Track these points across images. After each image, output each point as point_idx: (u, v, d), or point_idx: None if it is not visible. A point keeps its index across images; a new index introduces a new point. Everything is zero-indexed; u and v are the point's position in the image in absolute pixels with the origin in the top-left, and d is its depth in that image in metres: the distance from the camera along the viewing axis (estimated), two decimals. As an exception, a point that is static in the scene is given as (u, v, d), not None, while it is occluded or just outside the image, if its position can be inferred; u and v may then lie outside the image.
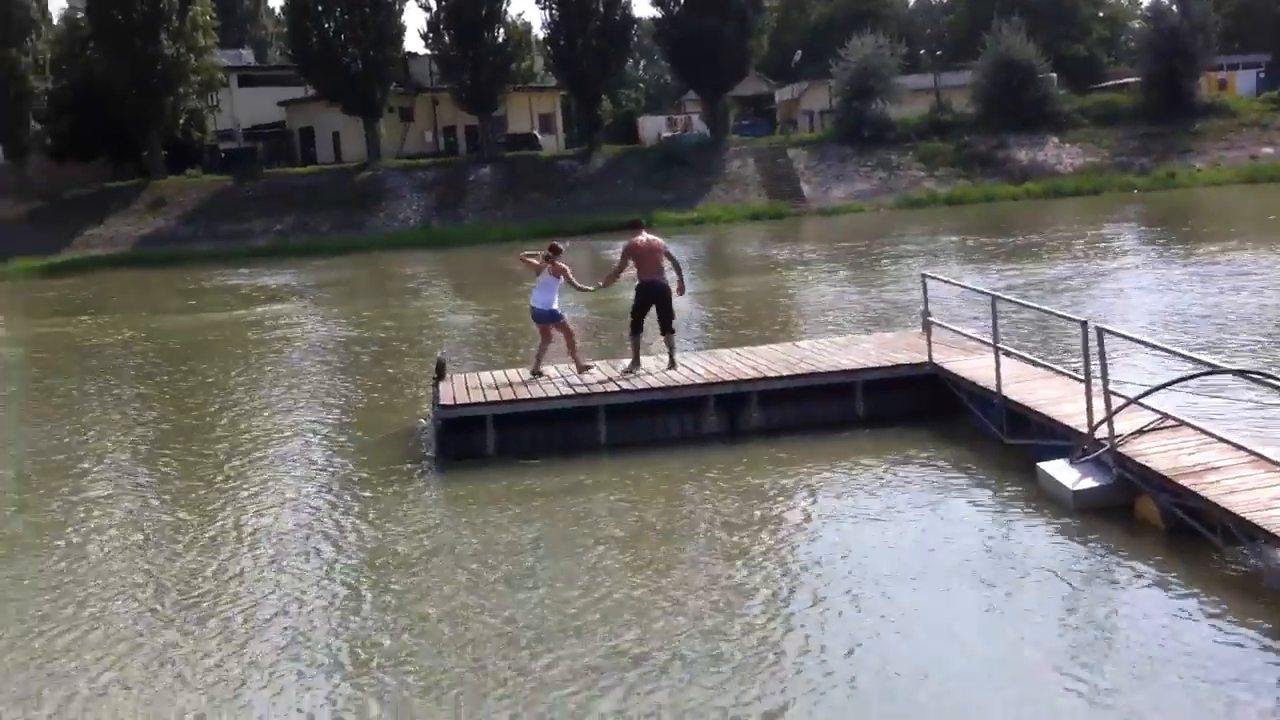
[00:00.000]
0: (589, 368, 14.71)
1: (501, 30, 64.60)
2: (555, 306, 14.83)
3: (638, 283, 14.92)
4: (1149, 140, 60.80)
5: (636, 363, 14.74)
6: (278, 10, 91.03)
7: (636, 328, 14.92)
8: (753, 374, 14.11)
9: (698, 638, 8.06)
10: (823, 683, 7.35)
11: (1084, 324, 10.85)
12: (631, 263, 14.93)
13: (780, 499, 11.29)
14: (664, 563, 9.68)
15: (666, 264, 14.94)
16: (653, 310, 14.78)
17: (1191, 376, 10.95)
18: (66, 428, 17.09)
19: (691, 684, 7.37)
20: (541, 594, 9.06)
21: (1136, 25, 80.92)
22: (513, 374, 14.92)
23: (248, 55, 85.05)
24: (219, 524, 11.64)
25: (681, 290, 15.07)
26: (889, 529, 10.05)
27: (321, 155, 69.05)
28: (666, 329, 14.85)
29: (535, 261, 14.97)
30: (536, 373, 14.62)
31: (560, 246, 15.10)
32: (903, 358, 14.59)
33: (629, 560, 9.81)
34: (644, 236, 14.91)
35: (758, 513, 10.87)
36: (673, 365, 14.61)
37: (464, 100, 63.89)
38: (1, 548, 11.36)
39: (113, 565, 10.56)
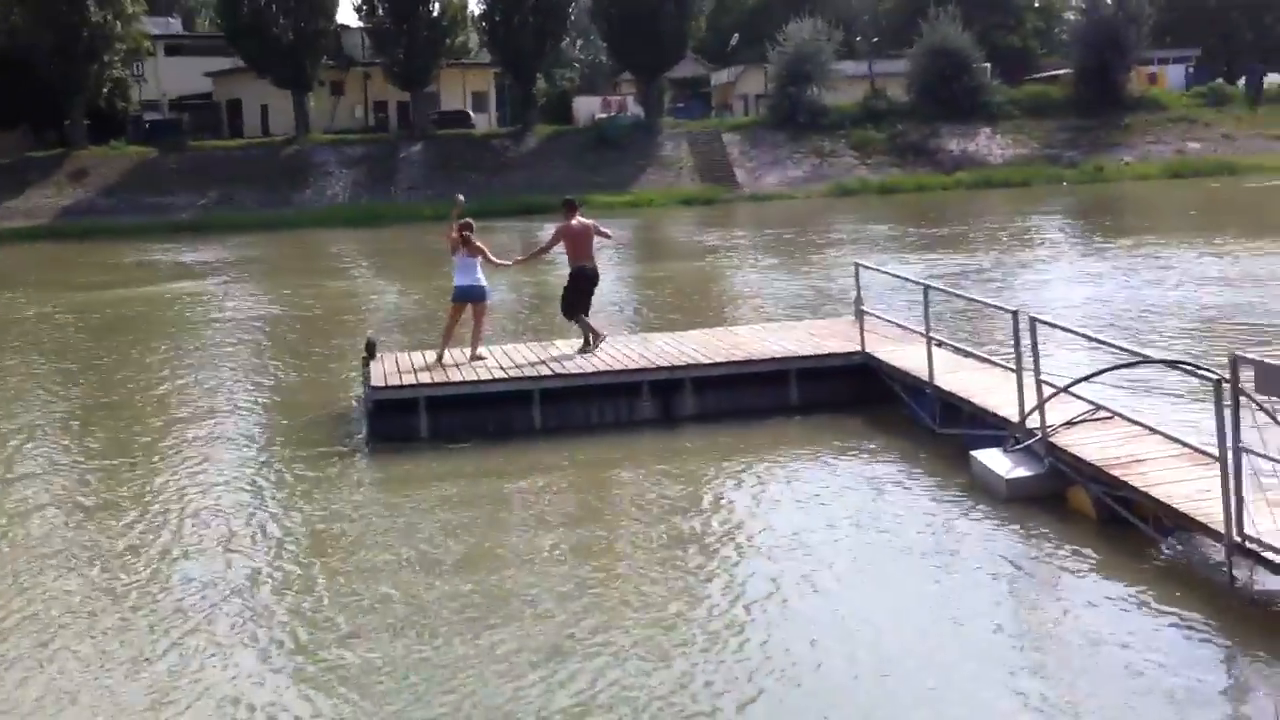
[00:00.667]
0: (483, 358, 14.43)
1: (436, 4, 63.87)
2: (485, 284, 14.70)
3: (571, 268, 14.85)
4: (1079, 133, 61.61)
5: (597, 338, 14.72)
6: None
7: (574, 310, 14.91)
8: (686, 360, 14.05)
9: (632, 625, 8.01)
10: (751, 674, 7.31)
11: (1015, 313, 10.94)
12: (563, 246, 14.89)
13: (714, 487, 11.28)
14: (599, 548, 9.62)
15: (597, 242, 14.99)
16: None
17: (1122, 366, 11.06)
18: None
19: (609, 671, 7.35)
20: (484, 578, 8.96)
21: (1070, 17, 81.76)
22: (446, 355, 14.72)
23: (175, 23, 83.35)
24: (155, 504, 11.40)
25: (607, 234, 15.48)
26: (823, 518, 10.04)
27: (249, 128, 67.85)
28: (585, 310, 14.92)
29: (454, 235, 14.71)
30: (476, 357, 14.41)
31: (469, 222, 14.78)
32: (836, 346, 14.62)
33: (566, 546, 9.72)
34: (577, 220, 14.85)
35: (692, 501, 10.84)
36: (590, 346, 14.56)
37: (396, 76, 63.14)
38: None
39: (52, 544, 10.29)
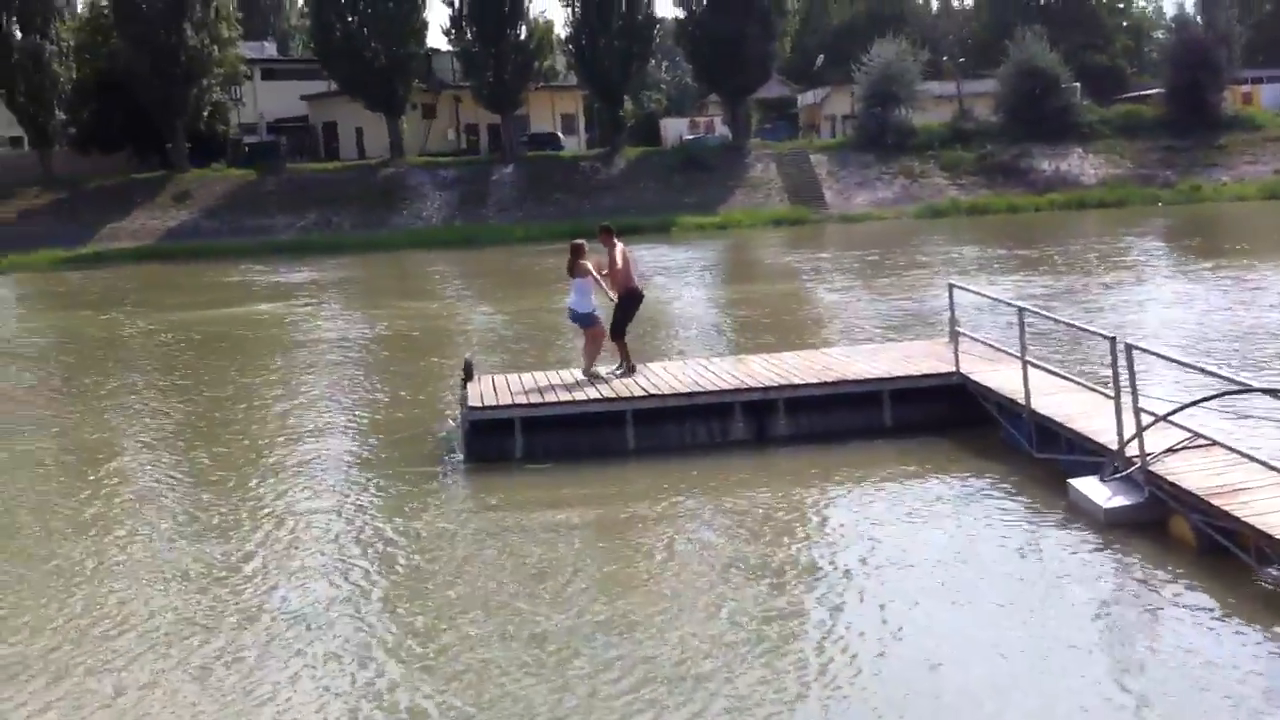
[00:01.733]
0: (598, 375, 14.64)
1: (524, 27, 64.61)
2: (592, 309, 14.85)
3: (623, 291, 14.97)
4: (1173, 153, 60.56)
5: (630, 365, 14.95)
6: (301, 2, 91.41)
7: (623, 333, 15.10)
8: (780, 380, 14.13)
9: (731, 651, 8.10)
10: (855, 694, 7.41)
11: (1113, 340, 10.84)
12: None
13: (809, 511, 11.32)
14: (693, 574, 9.70)
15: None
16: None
17: (1222, 394, 10.94)
18: (97, 419, 17.22)
19: (720, 696, 7.44)
20: (578, 603, 9.11)
21: (1160, 36, 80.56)
22: (540, 377, 14.96)
23: (270, 48, 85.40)
24: (260, 520, 11.74)
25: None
26: (920, 541, 10.09)
27: (344, 151, 69.31)
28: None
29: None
30: (590, 374, 14.64)
31: (581, 244, 15.03)
32: (930, 367, 14.61)
33: (664, 567, 9.88)
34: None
35: (787, 525, 10.90)
36: (627, 370, 14.86)
37: (486, 98, 63.96)
38: (42, 538, 11.44)
39: (164, 556, 10.65)
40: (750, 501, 11.58)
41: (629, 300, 14.99)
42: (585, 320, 14.84)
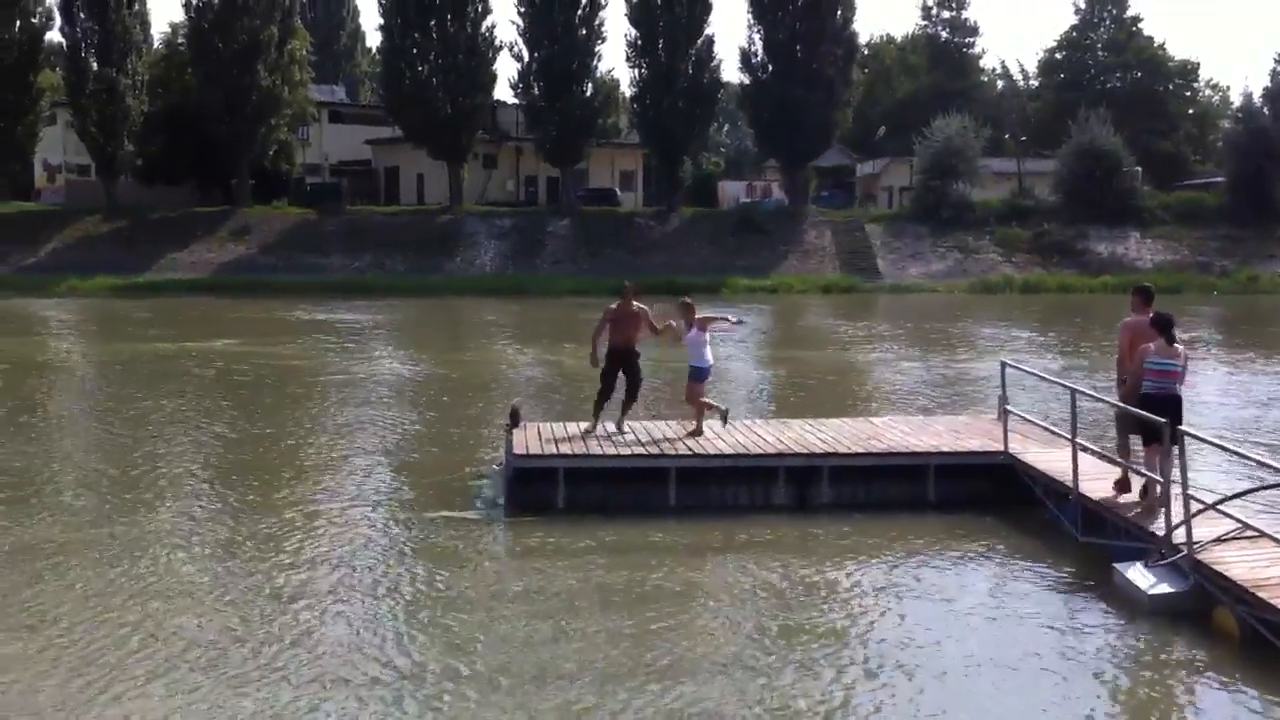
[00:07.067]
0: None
1: (590, 85, 65.39)
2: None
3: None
4: (1231, 242, 60.16)
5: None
6: (374, 50, 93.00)
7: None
8: (825, 448, 14.09)
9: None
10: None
11: (1163, 425, 10.73)
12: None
13: (848, 583, 11.17)
14: (721, 635, 9.63)
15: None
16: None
17: (1273, 485, 10.82)
18: (141, 449, 17.26)
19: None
20: (603, 662, 9.06)
21: (1226, 125, 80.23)
22: (585, 427, 15.01)
23: (340, 92, 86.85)
24: (291, 555, 11.75)
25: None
26: (958, 621, 9.97)
27: (404, 196, 70.22)
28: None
29: (674, 325, 15.36)
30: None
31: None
32: (977, 444, 14.53)
33: (686, 628, 9.80)
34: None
35: (825, 595, 10.80)
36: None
37: (548, 152, 64.64)
38: (80, 564, 11.46)
39: (194, 585, 10.66)
40: (787, 569, 11.45)
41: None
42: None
